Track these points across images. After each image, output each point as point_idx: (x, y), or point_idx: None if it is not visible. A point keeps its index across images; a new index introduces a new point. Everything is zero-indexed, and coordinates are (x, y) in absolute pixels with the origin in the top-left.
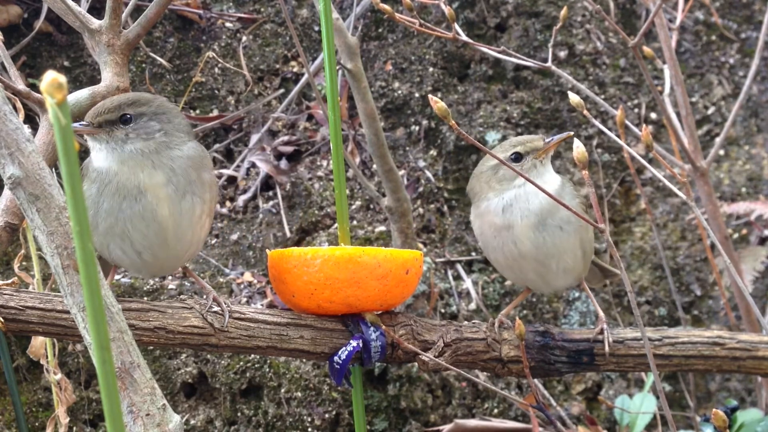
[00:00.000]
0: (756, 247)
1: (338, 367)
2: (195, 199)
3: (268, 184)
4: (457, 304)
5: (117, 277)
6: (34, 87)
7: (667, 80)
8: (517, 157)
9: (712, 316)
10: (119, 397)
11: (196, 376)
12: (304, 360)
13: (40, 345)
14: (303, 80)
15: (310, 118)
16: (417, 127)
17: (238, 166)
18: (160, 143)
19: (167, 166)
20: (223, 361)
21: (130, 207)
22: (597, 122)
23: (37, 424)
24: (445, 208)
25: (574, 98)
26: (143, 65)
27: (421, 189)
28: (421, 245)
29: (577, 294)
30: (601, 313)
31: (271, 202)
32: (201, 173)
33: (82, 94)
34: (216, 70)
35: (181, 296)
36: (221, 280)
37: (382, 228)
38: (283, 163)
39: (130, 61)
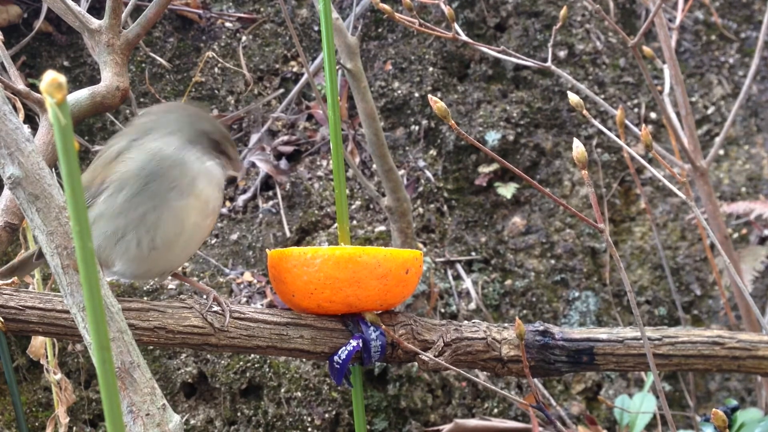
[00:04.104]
0: (756, 247)
1: (338, 366)
2: (213, 219)
3: (267, 184)
4: (456, 303)
5: (116, 277)
6: (34, 87)
7: (666, 80)
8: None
9: (711, 315)
10: (119, 397)
11: (196, 375)
12: (304, 360)
13: (40, 345)
14: (303, 80)
15: (309, 117)
16: (417, 127)
17: None
18: None
19: (214, 181)
20: (223, 361)
21: (176, 200)
22: (596, 122)
23: (37, 424)
24: (445, 207)
25: (573, 98)
26: (143, 65)
27: (420, 189)
28: (420, 245)
29: (577, 294)
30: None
31: (270, 202)
32: (221, 193)
33: (82, 93)
34: (216, 70)
35: (181, 296)
36: (221, 279)
37: (382, 228)
38: (283, 163)
39: (129, 60)
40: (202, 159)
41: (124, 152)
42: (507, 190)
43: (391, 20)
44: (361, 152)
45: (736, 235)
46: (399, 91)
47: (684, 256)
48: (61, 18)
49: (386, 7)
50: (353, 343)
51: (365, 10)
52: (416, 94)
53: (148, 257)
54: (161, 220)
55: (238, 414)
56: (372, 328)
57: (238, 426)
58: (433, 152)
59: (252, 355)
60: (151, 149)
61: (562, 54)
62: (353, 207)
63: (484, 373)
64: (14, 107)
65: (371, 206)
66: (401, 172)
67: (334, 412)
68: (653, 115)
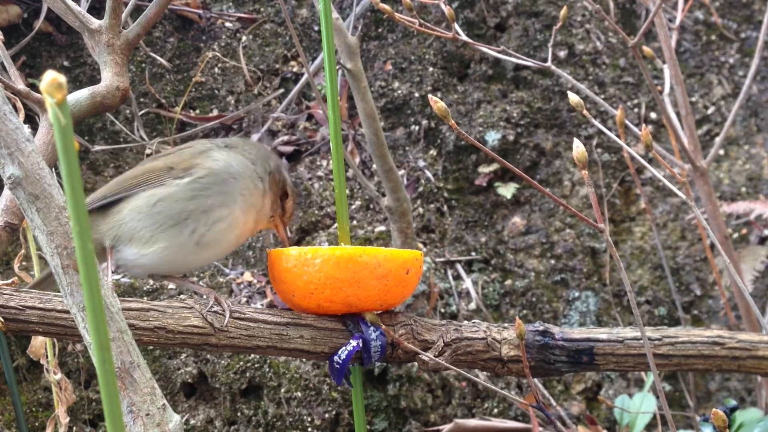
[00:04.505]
0: (756, 247)
1: (338, 366)
2: (242, 239)
3: None
4: (456, 303)
5: (116, 277)
6: (34, 87)
7: (666, 80)
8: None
9: (711, 315)
10: (119, 397)
11: (196, 375)
12: (304, 360)
13: (40, 345)
14: (303, 80)
15: (309, 117)
16: (417, 127)
17: None
18: None
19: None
20: (223, 361)
21: (237, 208)
22: (597, 122)
23: (37, 424)
24: (445, 207)
25: (573, 98)
26: (143, 65)
27: (421, 189)
28: (420, 245)
29: (577, 294)
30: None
31: None
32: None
33: (82, 94)
34: (216, 69)
35: (181, 296)
36: (221, 279)
37: (382, 228)
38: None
39: (130, 61)
40: (265, 192)
41: (213, 150)
42: (507, 190)
43: (391, 20)
44: (361, 152)
45: (736, 235)
46: (399, 91)
47: (684, 256)
48: (61, 18)
49: (386, 7)
50: (353, 343)
51: (365, 10)
52: (416, 94)
53: (189, 250)
54: (221, 220)
55: (238, 414)
56: (372, 328)
57: (238, 426)
58: (433, 152)
59: (252, 355)
60: (239, 156)
61: (562, 54)
62: (353, 207)
63: (484, 373)
64: (14, 107)
65: (371, 206)
66: (401, 172)
67: (334, 412)
68: (653, 115)
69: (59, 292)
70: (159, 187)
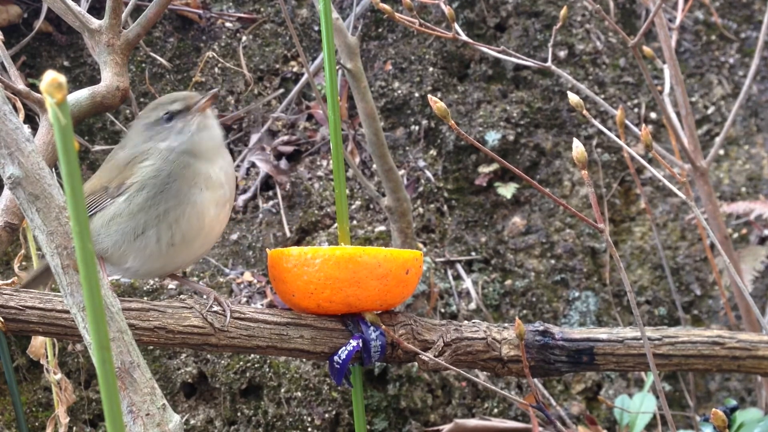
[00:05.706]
0: (756, 247)
1: (338, 366)
2: (229, 207)
3: (267, 184)
4: (456, 303)
5: (116, 276)
6: (34, 87)
7: (666, 80)
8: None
9: (711, 315)
10: (119, 397)
11: (196, 375)
12: (304, 360)
13: (40, 345)
14: (303, 80)
15: (309, 117)
16: (417, 127)
17: (238, 166)
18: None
19: (225, 168)
20: (223, 361)
21: (197, 195)
22: (597, 122)
23: (37, 423)
24: (445, 207)
25: (573, 98)
26: (143, 65)
27: (421, 189)
28: (420, 245)
29: (577, 294)
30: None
31: (271, 202)
32: (234, 183)
33: (82, 94)
34: (216, 70)
35: (181, 296)
36: (221, 279)
37: (382, 228)
38: (283, 163)
39: (130, 60)
40: (204, 153)
41: (137, 157)
42: (507, 190)
43: (391, 20)
44: (361, 152)
45: (736, 235)
46: (399, 91)
47: (684, 256)
48: (61, 18)
49: (386, 7)
50: (353, 343)
51: (365, 10)
52: (416, 94)
53: (165, 253)
54: (183, 217)
55: (238, 414)
56: (372, 328)
57: (238, 426)
58: (433, 152)
59: (252, 355)
60: (162, 153)
61: (562, 54)
62: (353, 207)
63: (484, 373)
64: (14, 107)
65: (371, 206)
66: (401, 172)
67: (334, 412)
68: (653, 115)
69: (58, 291)
70: (104, 209)
